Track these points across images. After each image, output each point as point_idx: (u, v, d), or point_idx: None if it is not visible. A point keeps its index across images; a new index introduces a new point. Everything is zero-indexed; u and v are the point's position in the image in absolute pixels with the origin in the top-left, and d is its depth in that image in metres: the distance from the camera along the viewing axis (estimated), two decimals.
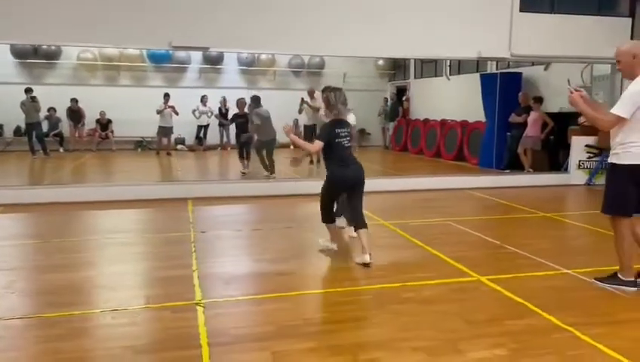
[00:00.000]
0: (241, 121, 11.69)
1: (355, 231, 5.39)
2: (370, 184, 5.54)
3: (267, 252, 5.67)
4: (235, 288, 4.58)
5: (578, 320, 3.86)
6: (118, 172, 13.20)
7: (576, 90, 4.53)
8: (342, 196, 5.65)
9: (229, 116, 14.69)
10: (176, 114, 15.68)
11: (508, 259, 5.45)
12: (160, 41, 8.06)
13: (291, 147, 18.02)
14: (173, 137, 17.80)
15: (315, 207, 5.51)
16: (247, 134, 11.23)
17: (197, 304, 4.13)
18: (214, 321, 3.81)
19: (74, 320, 3.83)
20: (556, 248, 5.98)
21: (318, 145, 5.17)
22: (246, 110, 11.69)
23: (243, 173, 11.36)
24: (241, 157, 11.68)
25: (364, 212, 5.40)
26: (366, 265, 5.03)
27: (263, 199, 8.70)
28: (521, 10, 9.61)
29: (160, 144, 16.23)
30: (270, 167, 10.67)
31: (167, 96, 15.71)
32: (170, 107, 15.63)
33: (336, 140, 5.13)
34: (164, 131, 15.91)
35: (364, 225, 5.23)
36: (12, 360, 3.29)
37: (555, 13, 10.01)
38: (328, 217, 5.45)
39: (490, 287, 4.57)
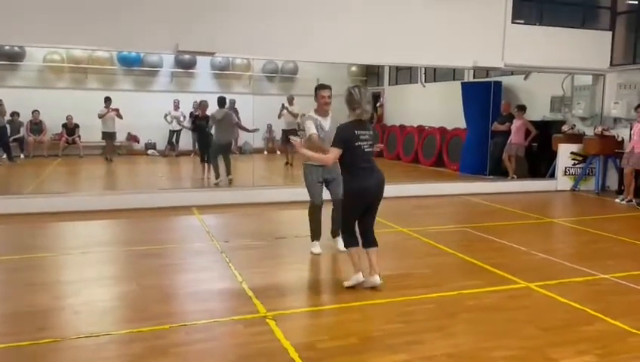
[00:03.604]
0: (202, 123, 11.30)
1: (364, 248, 4.73)
2: None
3: (303, 261, 5.60)
4: (293, 299, 4.50)
5: None
6: (95, 178, 12.65)
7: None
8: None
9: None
10: (120, 117, 15.11)
11: (543, 265, 5.58)
12: (166, 45, 7.82)
13: (265, 152, 18.04)
14: (143, 142, 17.46)
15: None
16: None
17: (265, 317, 4.03)
18: (293, 335, 3.72)
19: (146, 337, 3.65)
20: (581, 253, 6.19)
21: (334, 153, 4.56)
22: (207, 113, 11.29)
23: (216, 183, 10.64)
24: (202, 161, 11.37)
25: None
26: (375, 288, 4.60)
27: (267, 206, 8.59)
28: (513, 21, 9.91)
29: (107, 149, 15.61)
30: (227, 170, 10.61)
31: (108, 100, 15.11)
32: (113, 110, 15.05)
33: (357, 144, 4.51)
34: (107, 136, 15.29)
35: (375, 244, 4.72)
36: None
37: (542, 25, 10.37)
38: (352, 239, 4.70)
39: (542, 294, 4.67)
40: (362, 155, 4.58)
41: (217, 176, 10.66)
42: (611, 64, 10.79)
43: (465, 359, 3.44)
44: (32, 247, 6.10)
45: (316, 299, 4.55)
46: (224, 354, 3.48)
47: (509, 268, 5.35)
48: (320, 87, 5.73)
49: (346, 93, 4.65)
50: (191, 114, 16.58)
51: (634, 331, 3.88)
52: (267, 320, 3.97)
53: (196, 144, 16.21)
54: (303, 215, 6.01)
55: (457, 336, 3.77)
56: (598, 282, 5.05)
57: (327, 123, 5.59)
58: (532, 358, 3.46)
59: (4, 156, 14.41)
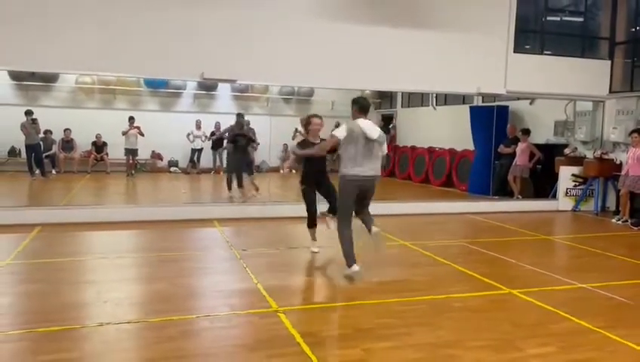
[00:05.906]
0: (244, 141, 11.28)
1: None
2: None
3: (310, 268, 6.28)
4: (300, 298, 5.18)
5: (604, 324, 4.59)
6: (122, 193, 13.53)
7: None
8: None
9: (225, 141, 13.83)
10: (142, 135, 16.50)
11: (528, 275, 6.19)
12: (193, 73, 8.65)
13: (281, 171, 18.79)
14: (166, 160, 18.41)
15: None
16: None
17: (276, 311, 4.70)
18: (300, 325, 4.38)
19: (177, 324, 4.35)
20: (566, 266, 6.79)
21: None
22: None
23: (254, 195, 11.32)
24: (241, 184, 11.10)
25: None
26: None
27: (281, 220, 9.28)
28: (515, 51, 10.59)
29: (128, 165, 16.71)
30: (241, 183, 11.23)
31: (132, 119, 16.54)
32: (135, 127, 16.41)
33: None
34: (129, 152, 16.58)
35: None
36: (139, 356, 3.80)
37: (543, 54, 11.04)
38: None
39: (522, 299, 5.28)
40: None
41: (256, 188, 11.52)
42: (610, 91, 11.40)
43: (446, 347, 4.06)
44: (72, 252, 6.89)
45: (319, 298, 5.25)
46: (243, 337, 4.17)
47: (496, 277, 5.96)
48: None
49: (304, 118, 6.73)
50: (212, 133, 17.49)
51: (595, 329, 4.48)
52: (278, 314, 4.64)
53: (223, 164, 17.20)
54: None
55: (441, 330, 4.40)
56: (574, 290, 5.64)
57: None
58: (503, 348, 4.08)
59: (38, 171, 15.35)
